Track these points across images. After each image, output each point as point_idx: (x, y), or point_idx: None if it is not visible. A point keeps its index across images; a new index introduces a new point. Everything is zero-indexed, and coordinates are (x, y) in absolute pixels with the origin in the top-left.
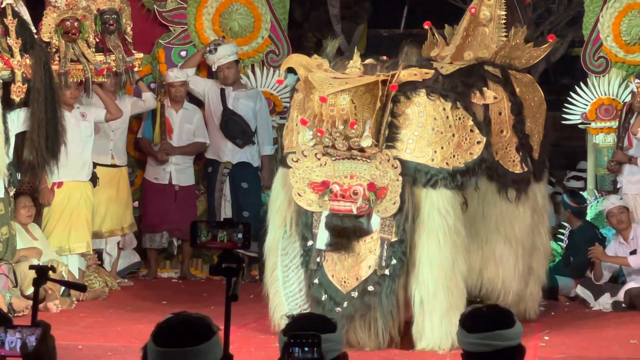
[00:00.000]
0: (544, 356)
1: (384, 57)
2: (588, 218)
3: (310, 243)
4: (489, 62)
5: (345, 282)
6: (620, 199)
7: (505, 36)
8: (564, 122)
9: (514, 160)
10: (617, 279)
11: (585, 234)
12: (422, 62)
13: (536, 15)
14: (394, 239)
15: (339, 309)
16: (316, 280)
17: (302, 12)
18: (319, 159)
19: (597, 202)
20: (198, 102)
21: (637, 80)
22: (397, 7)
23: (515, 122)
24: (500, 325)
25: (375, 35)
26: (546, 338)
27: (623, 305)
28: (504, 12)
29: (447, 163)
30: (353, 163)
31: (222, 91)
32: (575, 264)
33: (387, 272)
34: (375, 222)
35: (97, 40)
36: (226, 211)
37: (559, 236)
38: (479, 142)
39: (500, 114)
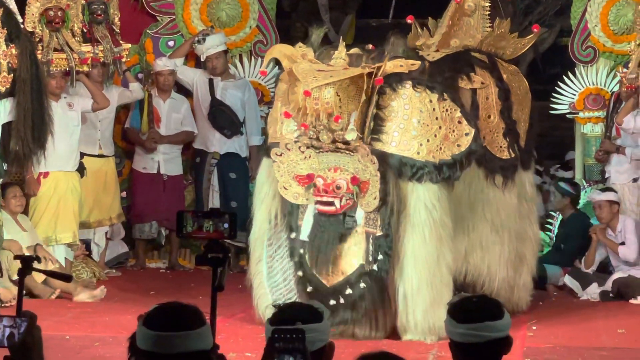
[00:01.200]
0: (532, 346)
1: (370, 47)
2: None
3: (294, 235)
4: (476, 49)
5: (329, 276)
6: (612, 191)
7: (490, 27)
8: (552, 111)
9: (501, 146)
10: (606, 269)
11: (577, 222)
12: (409, 52)
13: (524, 5)
14: (379, 233)
15: (332, 301)
16: (300, 273)
17: (291, 1)
18: (302, 152)
19: (586, 191)
20: (185, 93)
21: (623, 70)
22: None
23: (502, 107)
24: (490, 316)
25: (363, 25)
26: (534, 328)
27: (611, 295)
28: (487, 3)
29: (433, 156)
30: (337, 156)
31: (211, 81)
32: (566, 250)
33: (374, 267)
34: (359, 215)
35: (85, 30)
36: (214, 201)
37: (547, 226)
38: (467, 134)
39: (487, 99)
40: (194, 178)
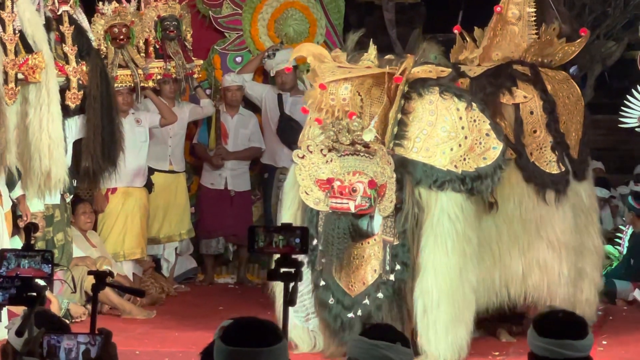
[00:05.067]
0: None
1: (407, 55)
2: None
3: (315, 242)
4: (518, 61)
5: (352, 285)
6: None
7: (536, 33)
8: (620, 125)
9: (550, 161)
10: None
11: None
12: (441, 59)
13: (592, 18)
14: (396, 242)
15: (351, 314)
16: (322, 282)
17: (357, 17)
18: (324, 155)
19: None
20: (253, 109)
21: None
22: (452, 11)
23: (548, 120)
24: (573, 334)
25: (430, 40)
26: (604, 342)
27: None
28: (533, 10)
29: (455, 166)
30: (357, 159)
31: (280, 96)
32: (636, 266)
33: (392, 277)
34: (377, 223)
35: (157, 46)
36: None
37: (617, 240)
38: (494, 148)
39: (532, 113)
40: (262, 193)
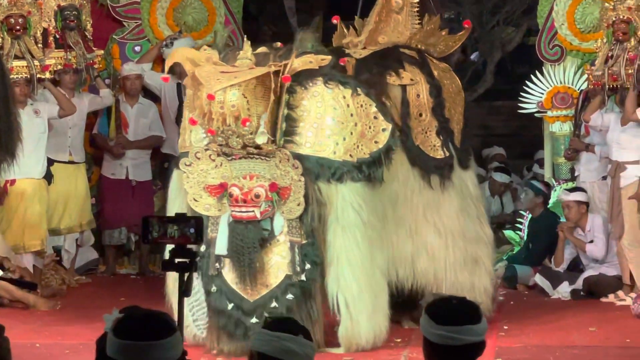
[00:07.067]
0: (503, 346)
1: (279, 44)
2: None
3: (203, 248)
4: (405, 45)
5: (250, 289)
6: (580, 190)
7: (419, 23)
8: (520, 111)
9: (434, 145)
10: (576, 267)
11: (546, 221)
12: (318, 47)
13: (491, 4)
14: (303, 241)
15: (254, 319)
16: (214, 288)
17: (257, 5)
18: (213, 160)
19: (555, 190)
20: (153, 98)
21: (591, 68)
22: None
23: (434, 104)
24: (469, 320)
25: (331, 27)
26: (505, 327)
27: (582, 293)
28: (416, 0)
29: (350, 155)
30: (251, 162)
31: (179, 85)
32: (535, 250)
33: (303, 277)
34: (279, 224)
35: (57, 36)
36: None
37: (517, 225)
38: (384, 130)
39: (418, 96)
40: (163, 183)
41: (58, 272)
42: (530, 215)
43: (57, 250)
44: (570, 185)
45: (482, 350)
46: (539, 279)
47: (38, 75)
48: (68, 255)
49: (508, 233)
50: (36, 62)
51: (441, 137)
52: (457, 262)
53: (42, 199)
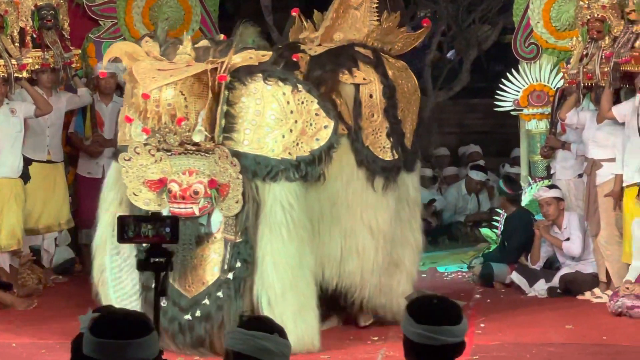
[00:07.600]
0: (480, 344)
1: (222, 37)
2: (522, 204)
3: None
4: (360, 44)
5: (189, 286)
6: (556, 188)
7: (378, 20)
8: (496, 109)
9: (384, 147)
10: (552, 265)
11: (520, 219)
12: (259, 42)
13: (467, 2)
14: (238, 239)
15: (188, 316)
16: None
17: (233, 3)
18: (153, 155)
19: (531, 188)
20: None
21: (567, 66)
22: None
23: (387, 105)
24: (448, 320)
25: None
26: (482, 325)
27: (558, 290)
28: None
29: (289, 153)
30: (191, 158)
31: None
32: (510, 248)
33: (230, 275)
34: (217, 220)
35: (35, 35)
36: None
37: (494, 223)
38: (326, 127)
39: (371, 96)
40: None
41: (34, 271)
42: (506, 214)
43: (34, 250)
44: (546, 183)
45: (462, 351)
46: (515, 276)
47: (15, 75)
48: (47, 255)
49: (484, 231)
50: (13, 61)
51: (391, 139)
52: (383, 265)
53: (18, 199)
